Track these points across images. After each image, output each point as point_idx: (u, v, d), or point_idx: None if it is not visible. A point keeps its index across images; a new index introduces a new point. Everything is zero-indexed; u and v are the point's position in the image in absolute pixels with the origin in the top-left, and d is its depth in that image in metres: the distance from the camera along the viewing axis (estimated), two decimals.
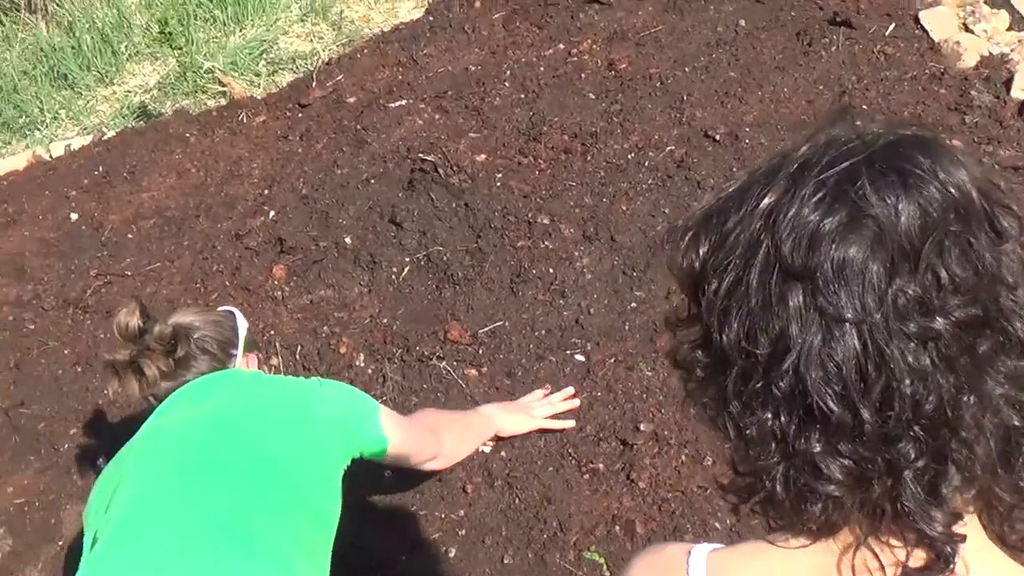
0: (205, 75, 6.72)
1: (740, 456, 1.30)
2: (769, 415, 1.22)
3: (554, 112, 4.98)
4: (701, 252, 1.28)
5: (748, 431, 1.24)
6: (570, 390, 3.84)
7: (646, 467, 3.54)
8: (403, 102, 5.48)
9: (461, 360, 4.08)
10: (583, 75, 5.19)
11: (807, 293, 1.18)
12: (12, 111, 7.25)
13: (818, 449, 1.19)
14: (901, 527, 1.22)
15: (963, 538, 1.22)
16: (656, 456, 3.56)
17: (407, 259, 4.54)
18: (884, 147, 1.21)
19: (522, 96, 5.18)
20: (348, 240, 4.71)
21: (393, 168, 4.97)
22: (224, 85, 6.48)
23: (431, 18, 6.18)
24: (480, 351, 4.09)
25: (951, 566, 1.22)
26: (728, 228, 1.26)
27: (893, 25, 4.86)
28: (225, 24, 7.29)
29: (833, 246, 1.16)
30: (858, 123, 1.28)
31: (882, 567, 1.25)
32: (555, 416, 3.77)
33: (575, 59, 5.33)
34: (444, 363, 4.08)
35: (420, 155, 4.87)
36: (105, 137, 6.33)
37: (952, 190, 1.17)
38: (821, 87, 4.62)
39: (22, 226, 5.72)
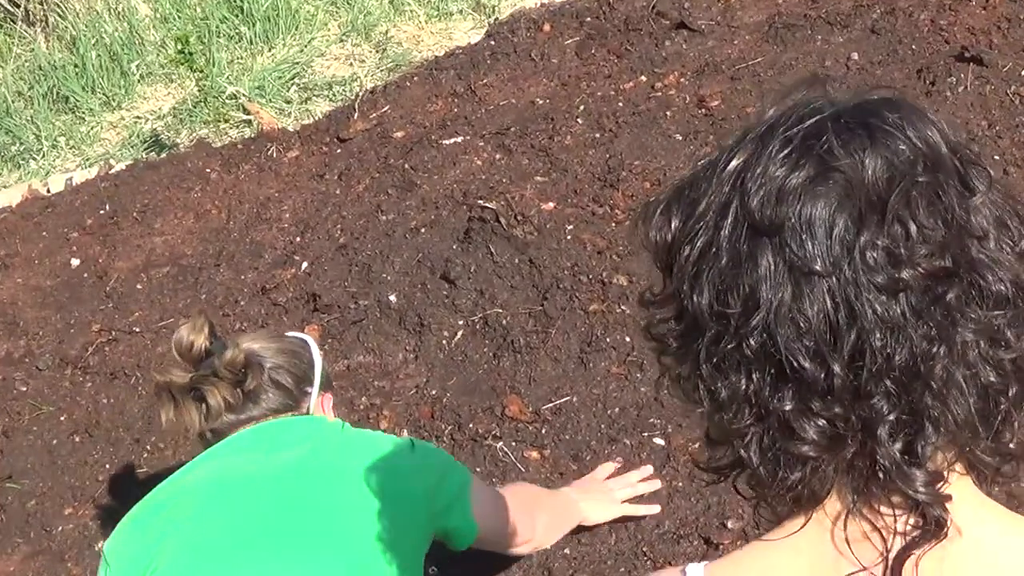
0: (228, 101, 6.86)
1: (713, 425, 1.45)
2: (741, 376, 1.37)
3: (634, 155, 5.07)
4: (673, 224, 1.44)
5: (720, 394, 1.39)
6: (649, 469, 3.88)
7: None
8: (459, 139, 5.59)
9: (521, 440, 4.14)
10: (668, 113, 5.28)
11: (775, 248, 1.33)
12: (4, 137, 7.41)
13: (790, 407, 1.34)
14: (887, 491, 1.36)
15: (948, 498, 1.36)
16: None
17: (461, 322, 4.63)
18: (852, 106, 1.38)
19: (597, 135, 5.28)
20: (392, 298, 4.81)
21: (447, 216, 5.08)
22: (250, 113, 6.62)
23: (492, 42, 6.28)
24: (543, 430, 4.15)
25: (944, 529, 1.36)
26: (698, 196, 1.42)
27: None
28: (252, 43, 7.44)
29: (800, 200, 1.32)
30: (829, 90, 1.45)
31: (880, 534, 1.39)
32: (636, 500, 3.82)
33: (659, 94, 5.42)
34: (501, 443, 4.15)
35: (478, 201, 4.97)
36: (113, 170, 6.45)
37: (919, 143, 1.33)
38: None
39: (14, 272, 5.83)
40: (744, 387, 1.36)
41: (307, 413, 3.14)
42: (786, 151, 1.34)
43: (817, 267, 1.30)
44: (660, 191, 1.50)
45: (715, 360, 1.38)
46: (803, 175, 1.32)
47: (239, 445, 2.97)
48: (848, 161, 1.31)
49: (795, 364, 1.31)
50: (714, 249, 1.37)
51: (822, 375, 1.31)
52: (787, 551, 1.45)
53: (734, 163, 1.39)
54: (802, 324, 1.31)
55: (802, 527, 1.43)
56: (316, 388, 3.17)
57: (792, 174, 1.33)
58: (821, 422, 1.33)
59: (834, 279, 1.30)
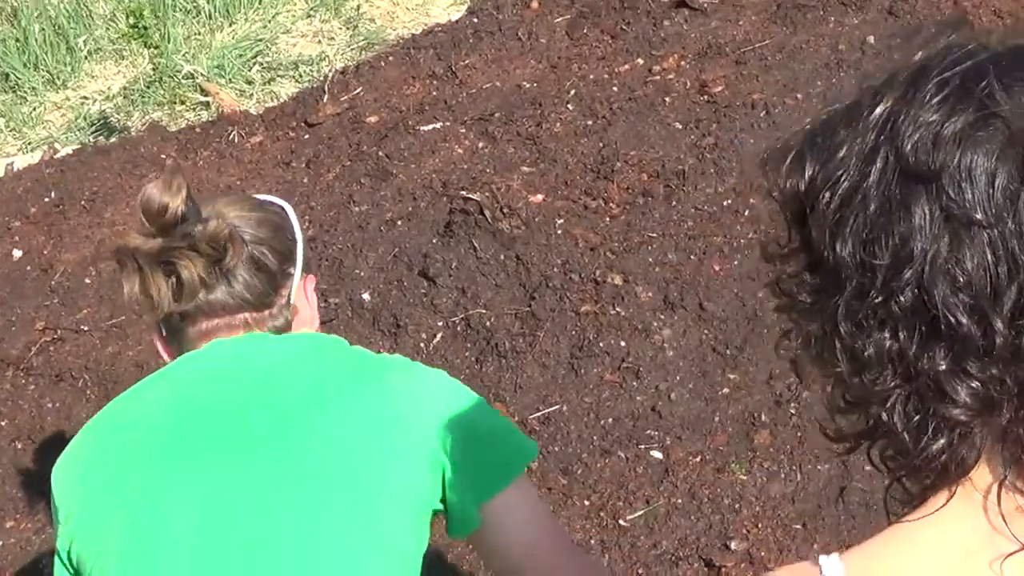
0: (184, 81, 6.85)
1: (851, 387, 1.43)
2: (886, 334, 1.36)
3: (630, 144, 5.08)
4: (808, 171, 1.43)
5: (865, 353, 1.38)
6: None
7: None
8: (438, 125, 5.60)
9: None
10: (667, 99, 5.29)
11: (931, 196, 1.32)
12: None
13: (944, 367, 1.34)
14: None
15: None
16: None
17: (440, 323, 4.63)
18: (1011, 48, 1.38)
19: (590, 123, 5.29)
20: (366, 296, 4.81)
21: (425, 208, 5.08)
22: (208, 94, 6.61)
23: (475, 19, 6.28)
24: None
25: None
26: (838, 142, 1.41)
27: None
28: (211, 17, 7.41)
29: (960, 147, 1.32)
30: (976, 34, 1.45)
31: None
32: None
33: (657, 78, 5.44)
34: None
35: (460, 192, 4.97)
36: (58, 155, 6.43)
37: None
38: None
39: None
40: (889, 346, 1.36)
41: (288, 300, 2.75)
42: (942, 95, 1.34)
43: (978, 217, 1.30)
44: (784, 137, 1.49)
45: (858, 316, 1.38)
46: (962, 121, 1.32)
47: (207, 369, 2.67)
48: (1011, 107, 1.31)
49: (951, 321, 1.31)
50: (860, 196, 1.37)
51: (980, 333, 1.31)
52: (934, 529, 1.44)
53: (881, 107, 1.38)
54: (960, 278, 1.31)
55: (947, 502, 1.42)
56: (298, 269, 2.80)
57: (950, 119, 1.32)
58: (975, 384, 1.33)
59: (995, 231, 1.30)
